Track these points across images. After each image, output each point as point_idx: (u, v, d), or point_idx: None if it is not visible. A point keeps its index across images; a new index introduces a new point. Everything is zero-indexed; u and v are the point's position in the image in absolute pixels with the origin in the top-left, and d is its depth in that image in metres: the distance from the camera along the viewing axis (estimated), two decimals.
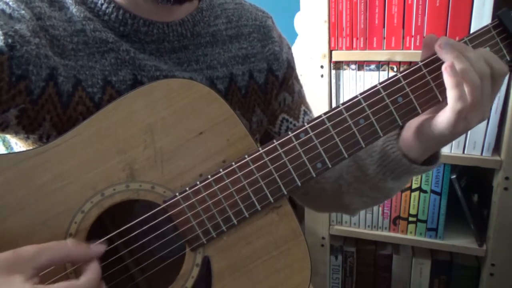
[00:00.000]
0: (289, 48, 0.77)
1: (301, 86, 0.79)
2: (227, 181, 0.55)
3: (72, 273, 0.52)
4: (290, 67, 0.75)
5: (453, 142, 1.19)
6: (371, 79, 1.21)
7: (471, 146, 1.18)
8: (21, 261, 0.44)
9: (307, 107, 0.79)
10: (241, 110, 0.69)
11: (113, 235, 0.54)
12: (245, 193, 0.56)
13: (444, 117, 0.54)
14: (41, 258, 0.45)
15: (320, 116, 0.56)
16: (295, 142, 0.56)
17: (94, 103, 0.57)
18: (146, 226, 0.55)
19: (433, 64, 0.55)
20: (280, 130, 0.76)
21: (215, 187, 0.55)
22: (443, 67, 0.53)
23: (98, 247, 0.50)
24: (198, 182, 0.55)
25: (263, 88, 0.71)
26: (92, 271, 0.48)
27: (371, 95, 0.55)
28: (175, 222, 0.55)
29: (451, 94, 0.53)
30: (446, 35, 1.10)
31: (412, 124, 0.59)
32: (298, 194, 0.79)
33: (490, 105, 0.56)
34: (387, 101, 0.55)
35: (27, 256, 0.44)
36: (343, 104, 0.56)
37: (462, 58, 0.52)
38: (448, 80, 0.53)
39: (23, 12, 0.53)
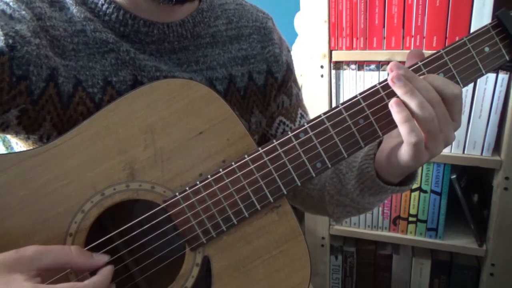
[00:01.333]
0: (289, 51, 0.78)
1: (299, 89, 0.80)
2: (226, 181, 0.55)
3: (72, 273, 0.53)
4: (289, 69, 0.75)
5: (453, 142, 1.19)
6: (371, 79, 1.21)
7: (471, 146, 1.18)
8: (23, 261, 0.44)
9: (304, 110, 0.80)
10: (239, 111, 0.69)
11: (113, 235, 0.54)
12: (244, 192, 0.56)
13: (404, 151, 0.54)
14: (43, 260, 0.45)
15: (319, 116, 0.56)
16: (295, 142, 0.56)
17: (95, 104, 0.58)
18: (146, 226, 0.55)
19: (433, 64, 0.55)
20: (277, 133, 0.77)
21: (215, 187, 0.55)
22: (389, 105, 0.53)
23: (101, 257, 0.50)
24: (198, 182, 0.55)
25: (262, 89, 0.71)
26: (100, 275, 0.49)
27: (370, 95, 0.56)
28: (175, 222, 0.55)
29: (401, 130, 0.52)
30: (446, 35, 1.11)
31: (384, 149, 0.60)
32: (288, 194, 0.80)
33: (454, 129, 0.55)
34: (387, 101, 0.55)
35: (29, 256, 0.44)
36: (342, 104, 0.56)
37: (411, 94, 0.52)
38: (395, 117, 0.52)
39: (23, 12, 0.53)
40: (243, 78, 0.69)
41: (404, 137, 0.53)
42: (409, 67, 0.55)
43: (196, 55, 0.65)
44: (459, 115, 0.55)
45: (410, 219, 1.32)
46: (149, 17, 0.60)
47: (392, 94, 0.55)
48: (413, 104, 0.52)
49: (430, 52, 0.57)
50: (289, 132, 0.56)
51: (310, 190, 0.75)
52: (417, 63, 0.55)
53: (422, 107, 0.51)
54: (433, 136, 0.53)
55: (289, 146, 0.56)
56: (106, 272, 0.49)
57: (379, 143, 0.62)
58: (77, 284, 0.46)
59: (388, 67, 0.54)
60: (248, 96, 0.70)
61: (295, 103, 0.78)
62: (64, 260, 0.47)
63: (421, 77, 0.54)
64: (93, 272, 0.51)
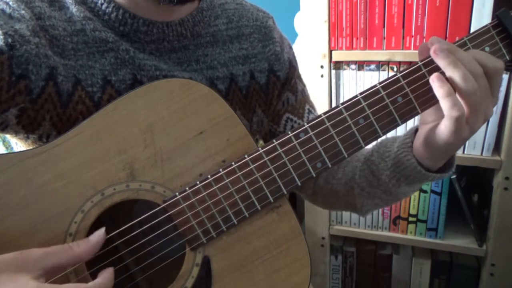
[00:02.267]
0: (291, 48, 0.78)
1: (304, 85, 0.79)
2: (227, 180, 0.55)
3: (72, 273, 0.53)
4: (292, 66, 0.75)
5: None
6: (371, 79, 1.21)
7: (471, 146, 1.18)
8: (29, 261, 0.45)
9: (311, 105, 0.79)
10: (241, 111, 0.69)
11: (113, 235, 0.54)
12: (245, 192, 0.56)
13: (444, 127, 0.53)
14: (48, 260, 0.46)
15: (319, 116, 0.56)
16: (295, 142, 0.56)
17: (94, 103, 0.58)
18: (146, 226, 0.55)
19: (433, 63, 0.55)
20: (285, 130, 0.76)
21: (215, 187, 0.55)
22: (430, 80, 0.53)
23: (97, 234, 0.51)
24: (198, 182, 0.55)
25: (264, 88, 0.71)
26: (103, 277, 0.49)
27: (370, 94, 0.55)
28: (175, 222, 0.55)
29: (443, 104, 0.52)
30: (446, 35, 1.10)
31: (420, 134, 0.59)
32: (307, 193, 0.79)
33: (493, 104, 0.55)
34: (387, 101, 0.55)
35: (34, 257, 0.45)
36: (342, 103, 0.56)
37: (454, 65, 0.51)
38: (437, 91, 0.52)
39: (23, 12, 0.53)
40: (245, 77, 0.69)
41: (446, 112, 0.52)
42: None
43: (196, 54, 0.65)
44: (498, 91, 0.55)
45: (410, 219, 1.32)
46: (148, 16, 0.60)
47: (392, 94, 0.55)
48: (456, 75, 0.51)
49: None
50: (289, 132, 0.56)
51: (334, 185, 0.74)
52: (417, 63, 0.55)
53: (465, 79, 0.51)
54: (475, 109, 0.52)
55: (289, 146, 0.56)
56: (108, 274, 0.50)
57: (415, 131, 0.61)
58: (80, 286, 0.47)
59: (429, 41, 0.53)
60: (250, 95, 0.70)
61: (301, 99, 0.77)
62: (67, 258, 0.48)
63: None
64: (94, 273, 0.51)
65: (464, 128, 0.53)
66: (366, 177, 0.68)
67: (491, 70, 0.53)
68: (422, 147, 0.59)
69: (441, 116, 0.55)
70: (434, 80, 0.52)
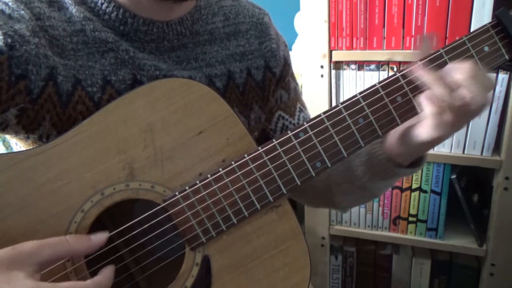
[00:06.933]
0: (286, 46, 0.78)
1: (296, 84, 0.80)
2: (226, 180, 0.55)
3: (72, 272, 0.53)
4: (287, 64, 0.76)
5: (453, 142, 1.19)
6: (371, 79, 1.21)
7: (471, 146, 1.18)
8: (22, 257, 0.43)
9: (302, 104, 0.80)
10: (239, 108, 0.69)
11: (113, 234, 0.54)
12: (244, 192, 0.56)
13: (425, 130, 0.54)
14: (42, 254, 0.45)
15: (319, 115, 0.56)
16: (295, 141, 0.56)
17: (94, 103, 0.58)
18: (146, 225, 0.55)
19: (432, 63, 0.55)
20: (276, 127, 0.77)
21: (215, 186, 0.55)
22: (422, 97, 0.53)
23: (99, 236, 0.50)
24: (197, 181, 0.55)
25: (261, 85, 0.71)
26: (102, 275, 0.48)
27: (370, 94, 0.56)
28: (174, 221, 0.55)
29: (429, 121, 0.53)
30: (446, 35, 1.11)
31: (397, 130, 0.60)
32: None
33: (480, 110, 0.55)
34: (386, 100, 0.56)
35: (27, 251, 0.44)
36: (342, 103, 0.56)
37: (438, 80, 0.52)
38: (427, 109, 0.52)
39: (22, 12, 0.54)
40: (242, 74, 0.69)
41: (431, 121, 0.53)
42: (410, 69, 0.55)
43: (195, 52, 0.65)
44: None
45: (410, 219, 1.32)
46: (148, 15, 0.60)
47: (392, 94, 0.55)
48: (444, 97, 0.51)
49: (430, 52, 0.57)
50: (289, 132, 0.56)
51: (314, 182, 0.74)
52: (417, 62, 0.55)
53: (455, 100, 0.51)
54: (461, 116, 0.53)
55: (288, 145, 0.56)
56: (108, 272, 0.49)
57: None
58: (79, 284, 0.46)
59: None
60: (247, 92, 0.70)
61: (293, 97, 0.78)
62: (62, 251, 0.47)
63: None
64: (94, 272, 0.51)
65: (446, 132, 0.54)
66: (342, 173, 0.69)
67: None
68: (396, 144, 0.60)
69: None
70: (423, 101, 0.53)
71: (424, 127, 0.54)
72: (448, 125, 0.53)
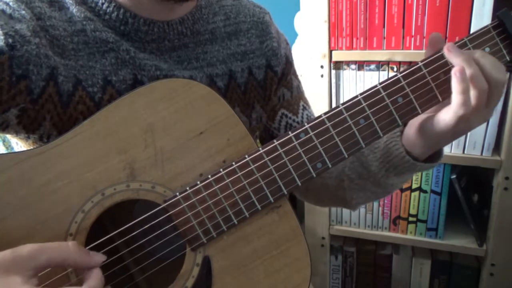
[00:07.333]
0: (287, 44, 0.78)
1: (299, 82, 0.80)
2: (227, 181, 0.55)
3: (73, 272, 0.52)
4: (288, 62, 0.76)
5: (453, 142, 1.19)
6: (371, 79, 1.21)
7: (471, 146, 1.18)
8: (20, 261, 0.43)
9: (306, 102, 0.80)
10: (240, 107, 0.69)
11: (114, 235, 0.54)
12: (245, 193, 0.56)
13: (445, 118, 0.54)
14: (40, 258, 0.44)
15: (320, 116, 0.56)
16: (295, 142, 0.56)
17: (94, 103, 0.58)
18: (147, 226, 0.55)
19: (433, 64, 0.55)
20: (280, 126, 0.77)
21: (215, 187, 0.55)
22: (453, 72, 0.52)
23: (99, 256, 0.49)
24: (198, 182, 0.55)
25: (262, 84, 0.71)
26: (94, 279, 0.47)
27: (371, 95, 0.55)
28: (175, 222, 0.55)
29: (456, 99, 0.52)
30: (446, 35, 1.10)
31: (415, 122, 0.59)
32: (300, 189, 0.80)
33: (493, 109, 0.56)
34: (387, 101, 0.55)
35: (26, 255, 0.43)
36: (343, 104, 0.56)
37: (472, 62, 0.52)
38: (456, 85, 0.52)
39: (23, 12, 0.53)
40: (243, 74, 0.69)
41: (454, 107, 0.53)
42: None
43: (196, 52, 0.65)
44: (498, 99, 0.56)
45: (410, 219, 1.32)
46: (149, 15, 0.60)
47: (393, 95, 0.55)
48: (469, 72, 0.52)
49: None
50: (290, 132, 0.56)
51: (325, 180, 0.75)
52: (417, 63, 0.55)
53: (478, 76, 0.52)
54: (479, 110, 0.54)
55: (289, 146, 0.56)
56: (99, 275, 0.48)
57: None
58: None
59: (445, 47, 0.54)
60: (248, 91, 0.70)
61: (296, 95, 0.78)
62: (61, 256, 0.46)
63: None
64: None
65: (463, 124, 0.54)
66: (355, 169, 0.69)
67: (493, 81, 0.53)
68: (415, 135, 0.59)
69: (436, 109, 0.56)
70: (456, 74, 0.52)
71: (448, 111, 0.54)
72: (470, 109, 0.53)
